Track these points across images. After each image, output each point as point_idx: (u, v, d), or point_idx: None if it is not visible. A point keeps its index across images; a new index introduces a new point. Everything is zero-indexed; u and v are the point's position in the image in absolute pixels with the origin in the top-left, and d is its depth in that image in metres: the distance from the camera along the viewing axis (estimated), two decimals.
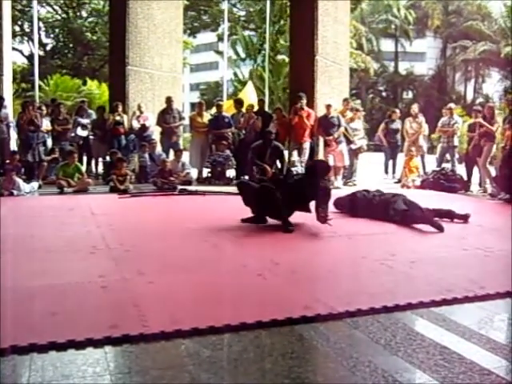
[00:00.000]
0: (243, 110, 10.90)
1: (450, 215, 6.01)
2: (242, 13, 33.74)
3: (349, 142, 10.31)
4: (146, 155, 10.28)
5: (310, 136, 9.91)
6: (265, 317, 2.75)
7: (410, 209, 5.90)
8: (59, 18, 32.21)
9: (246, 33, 31.81)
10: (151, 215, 6.61)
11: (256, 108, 10.88)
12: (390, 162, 12.23)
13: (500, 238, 5.03)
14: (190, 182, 9.74)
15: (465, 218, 6.00)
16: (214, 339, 2.52)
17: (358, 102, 32.04)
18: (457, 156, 11.51)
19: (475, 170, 9.80)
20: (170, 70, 11.93)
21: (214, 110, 11.36)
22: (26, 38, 31.13)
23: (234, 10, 32.48)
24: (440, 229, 5.42)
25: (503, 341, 2.57)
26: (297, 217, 5.51)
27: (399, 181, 10.74)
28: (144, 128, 10.79)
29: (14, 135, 10.35)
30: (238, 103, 11.06)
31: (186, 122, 11.81)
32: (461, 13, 39.72)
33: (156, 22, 11.52)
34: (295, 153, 9.79)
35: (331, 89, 10.57)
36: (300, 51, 10.46)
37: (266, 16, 19.10)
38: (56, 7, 31.98)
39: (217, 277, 3.60)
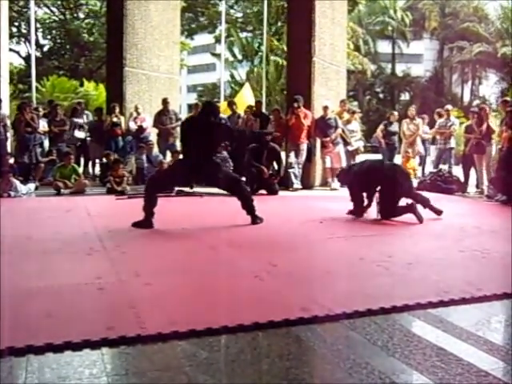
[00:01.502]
0: (238, 111, 10.90)
1: (426, 204, 6.27)
2: (239, 14, 33.72)
3: (346, 143, 10.33)
4: (143, 157, 10.26)
5: (308, 137, 9.92)
6: (262, 318, 2.75)
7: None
8: (56, 19, 32.16)
9: (244, 34, 31.81)
10: None
11: (254, 109, 10.88)
12: None
13: (497, 240, 5.04)
14: None
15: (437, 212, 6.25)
16: (211, 341, 2.52)
17: (355, 103, 32.15)
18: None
19: (472, 171, 9.82)
20: (167, 72, 11.91)
21: None
22: (23, 39, 31.03)
23: (232, 11, 32.44)
24: (420, 220, 5.80)
25: (500, 342, 2.58)
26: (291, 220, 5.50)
27: None
28: (141, 129, 10.77)
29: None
30: (232, 105, 11.06)
31: None
32: (457, 15, 39.83)
33: (153, 24, 11.51)
34: (292, 154, 9.79)
35: (328, 90, 10.56)
36: (297, 53, 10.43)
37: (263, 18, 19.12)
38: (53, 8, 31.94)
39: (213, 278, 3.60)
